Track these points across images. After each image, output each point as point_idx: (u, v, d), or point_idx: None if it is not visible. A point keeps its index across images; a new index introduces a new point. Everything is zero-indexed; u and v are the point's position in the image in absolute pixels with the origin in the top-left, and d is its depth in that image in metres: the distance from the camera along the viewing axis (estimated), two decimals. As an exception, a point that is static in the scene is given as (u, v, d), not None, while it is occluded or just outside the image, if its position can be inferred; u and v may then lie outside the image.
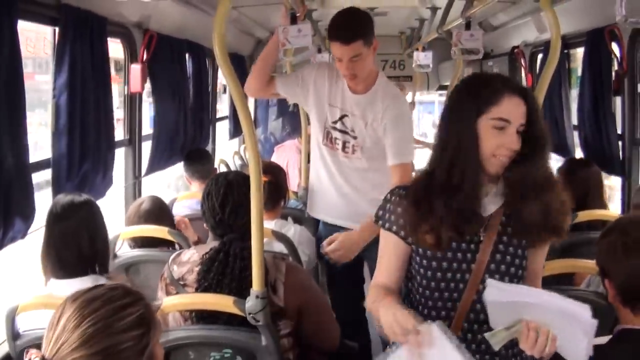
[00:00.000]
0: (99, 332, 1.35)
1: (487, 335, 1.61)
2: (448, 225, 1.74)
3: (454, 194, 1.73)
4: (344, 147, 3.06)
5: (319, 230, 3.39)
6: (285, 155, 6.08)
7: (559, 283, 2.58)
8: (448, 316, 1.80)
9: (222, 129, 5.87)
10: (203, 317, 2.12)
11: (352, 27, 2.84)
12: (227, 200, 2.22)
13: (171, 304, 2.09)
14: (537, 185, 1.77)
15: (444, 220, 1.73)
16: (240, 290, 2.09)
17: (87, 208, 2.34)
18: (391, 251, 1.89)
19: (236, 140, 6.55)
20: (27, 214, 2.28)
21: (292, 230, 3.20)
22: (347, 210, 3.13)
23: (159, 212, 3.18)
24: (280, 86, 3.16)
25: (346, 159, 3.08)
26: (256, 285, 2.03)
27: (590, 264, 2.41)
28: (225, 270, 2.13)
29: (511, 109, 1.72)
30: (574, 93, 4.23)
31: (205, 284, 2.13)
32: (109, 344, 1.35)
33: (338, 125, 3.05)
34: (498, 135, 1.72)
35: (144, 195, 3.63)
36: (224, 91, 6.13)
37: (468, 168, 1.73)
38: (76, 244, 2.26)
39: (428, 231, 1.76)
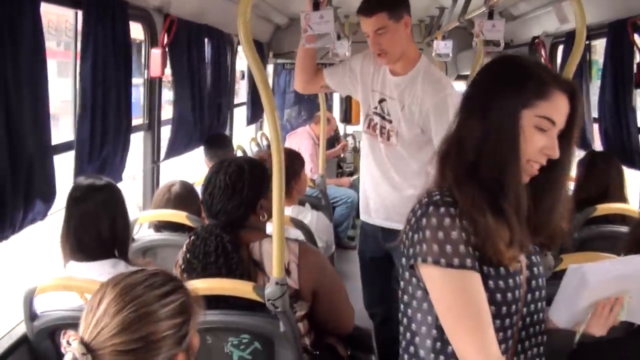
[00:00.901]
0: (141, 319, 1.34)
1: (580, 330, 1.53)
2: (518, 233, 1.43)
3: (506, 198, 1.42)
4: (381, 133, 2.96)
5: (362, 226, 3.28)
6: (296, 142, 6.11)
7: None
8: (505, 338, 1.48)
9: (239, 115, 5.88)
10: (209, 300, 2.10)
11: (373, 0, 2.77)
12: (209, 184, 2.19)
13: (192, 288, 2.09)
14: (559, 215, 1.53)
15: (515, 229, 1.43)
16: (231, 276, 2.08)
17: (107, 191, 2.33)
18: (479, 294, 1.41)
19: (252, 126, 6.57)
20: (48, 196, 2.29)
21: (309, 216, 3.21)
22: (387, 206, 3.01)
23: (189, 196, 3.18)
24: (329, 78, 3.09)
25: (383, 144, 2.96)
26: (276, 272, 2.03)
27: (612, 257, 2.40)
28: (207, 258, 2.11)
29: (559, 109, 1.43)
30: (594, 85, 4.19)
31: (188, 269, 2.13)
32: (150, 331, 1.34)
33: (377, 109, 2.96)
34: (540, 138, 1.43)
35: (162, 180, 3.66)
36: (242, 77, 6.12)
37: (509, 170, 1.42)
38: (95, 227, 2.25)
39: (507, 244, 1.42)
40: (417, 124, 2.82)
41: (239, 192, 2.15)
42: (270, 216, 2.17)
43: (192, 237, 2.18)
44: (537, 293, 1.53)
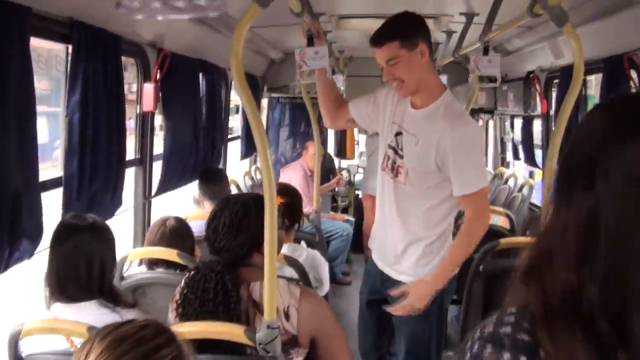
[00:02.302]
0: None
1: None
2: None
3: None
4: (392, 168, 2.77)
5: (368, 266, 3.12)
6: (289, 176, 6.08)
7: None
8: None
9: (233, 149, 5.86)
10: (200, 342, 2.03)
11: (385, 28, 2.63)
12: (213, 220, 2.15)
13: (181, 332, 2.02)
14: None
15: None
16: (230, 318, 2.02)
17: (89, 230, 2.24)
18: None
19: (247, 160, 6.54)
20: (35, 234, 2.23)
21: (304, 254, 3.15)
22: (389, 253, 2.84)
23: (184, 231, 3.13)
24: (353, 110, 2.94)
25: (392, 181, 2.76)
26: (268, 315, 1.96)
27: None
28: (205, 294, 2.05)
29: None
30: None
31: (185, 304, 2.07)
32: None
33: (393, 143, 2.77)
34: None
35: (153, 216, 3.60)
36: (236, 111, 6.11)
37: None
38: (75, 269, 2.18)
39: None
40: (433, 162, 2.61)
41: (245, 230, 2.11)
42: None
43: (192, 273, 2.12)
44: None
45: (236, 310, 2.03)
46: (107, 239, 2.30)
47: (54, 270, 2.19)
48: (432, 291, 2.66)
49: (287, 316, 2.06)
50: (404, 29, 2.60)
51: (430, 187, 2.67)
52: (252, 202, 2.17)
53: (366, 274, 3.13)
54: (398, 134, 2.74)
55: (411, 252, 2.74)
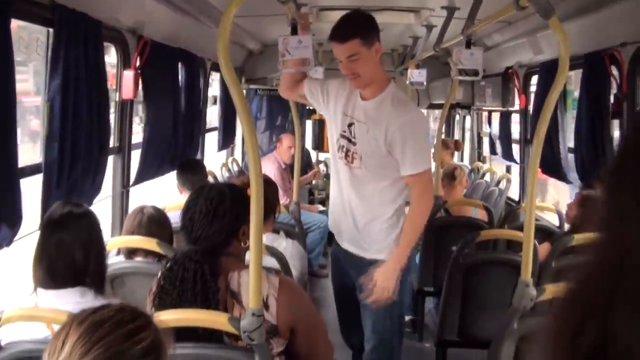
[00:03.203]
0: None
1: None
2: None
3: None
4: (346, 155, 2.95)
5: (333, 251, 3.29)
6: (264, 168, 6.02)
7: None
8: None
9: (210, 140, 5.81)
10: (178, 332, 2.00)
11: (347, 26, 2.78)
12: (189, 209, 2.12)
13: (163, 320, 2.00)
14: None
15: None
16: (208, 309, 2.00)
17: (85, 219, 2.24)
18: None
19: (223, 153, 6.50)
20: (14, 221, 2.20)
21: (283, 244, 3.14)
22: (351, 231, 3.02)
23: (162, 220, 3.09)
24: (307, 90, 3.10)
25: (347, 167, 2.96)
26: (253, 302, 1.94)
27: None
28: (183, 284, 2.02)
29: None
30: (569, 115, 4.22)
31: (163, 295, 2.05)
32: None
33: (346, 133, 2.95)
34: None
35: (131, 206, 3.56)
36: (215, 102, 6.07)
37: None
38: (70, 256, 2.16)
39: None
40: (383, 146, 2.82)
41: (221, 217, 2.08)
42: None
43: (170, 263, 2.08)
44: None
45: (214, 300, 2.01)
46: (99, 228, 2.29)
47: (45, 256, 2.16)
48: (396, 269, 2.83)
49: (266, 306, 2.04)
50: (364, 28, 2.78)
51: (382, 169, 2.88)
52: (227, 190, 2.16)
53: (333, 260, 3.30)
54: (350, 124, 2.93)
55: (371, 228, 2.94)
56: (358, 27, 2.77)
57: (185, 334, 1.97)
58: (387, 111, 2.82)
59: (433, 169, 3.59)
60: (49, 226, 2.19)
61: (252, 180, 1.97)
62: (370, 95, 2.89)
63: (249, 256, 1.99)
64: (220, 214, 2.09)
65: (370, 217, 2.93)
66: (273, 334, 2.06)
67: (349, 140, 2.93)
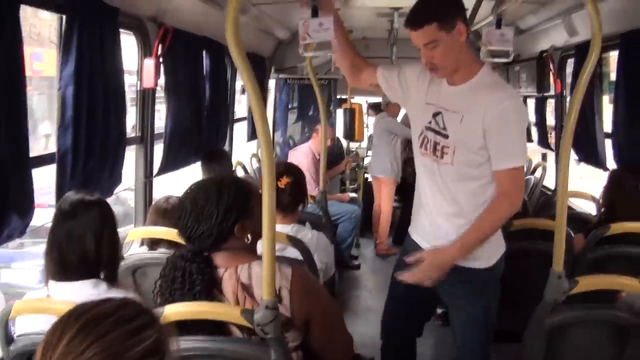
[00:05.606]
0: None
1: None
2: None
3: None
4: (434, 150, 2.61)
5: (407, 246, 2.88)
6: (297, 159, 5.96)
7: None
8: None
9: (240, 130, 5.76)
10: (186, 326, 1.95)
11: (421, 10, 2.47)
12: (183, 205, 2.06)
13: (174, 312, 1.94)
14: None
15: None
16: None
17: (97, 208, 2.19)
18: None
19: (254, 142, 6.46)
20: (26, 211, 2.17)
21: (309, 235, 3.06)
22: (432, 232, 2.70)
23: None
24: (382, 79, 2.80)
25: (436, 164, 2.61)
26: (266, 294, 1.87)
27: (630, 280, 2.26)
28: (173, 284, 1.99)
29: None
30: (605, 99, 4.06)
31: (160, 293, 2.02)
32: None
33: (432, 124, 2.62)
34: None
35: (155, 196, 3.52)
36: (243, 92, 6.01)
37: None
38: (81, 246, 2.11)
39: None
40: (481, 136, 2.49)
41: (208, 216, 2.00)
42: (255, 238, 2.04)
43: (166, 262, 2.06)
44: None
45: (201, 298, 1.95)
46: (112, 217, 2.24)
47: (56, 246, 2.12)
48: (448, 262, 2.53)
49: (279, 298, 1.96)
50: (442, 10, 2.45)
51: (476, 166, 2.54)
52: (214, 188, 2.06)
53: (403, 250, 2.90)
54: (437, 114, 2.61)
55: (455, 232, 2.60)
56: (435, 9, 2.45)
57: (189, 328, 1.93)
58: (484, 96, 2.48)
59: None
60: (59, 215, 2.15)
61: (264, 173, 1.88)
62: (460, 80, 2.57)
63: (261, 247, 1.90)
64: (207, 213, 2.01)
65: (457, 220, 2.60)
66: (288, 327, 1.99)
67: (437, 133, 2.60)
